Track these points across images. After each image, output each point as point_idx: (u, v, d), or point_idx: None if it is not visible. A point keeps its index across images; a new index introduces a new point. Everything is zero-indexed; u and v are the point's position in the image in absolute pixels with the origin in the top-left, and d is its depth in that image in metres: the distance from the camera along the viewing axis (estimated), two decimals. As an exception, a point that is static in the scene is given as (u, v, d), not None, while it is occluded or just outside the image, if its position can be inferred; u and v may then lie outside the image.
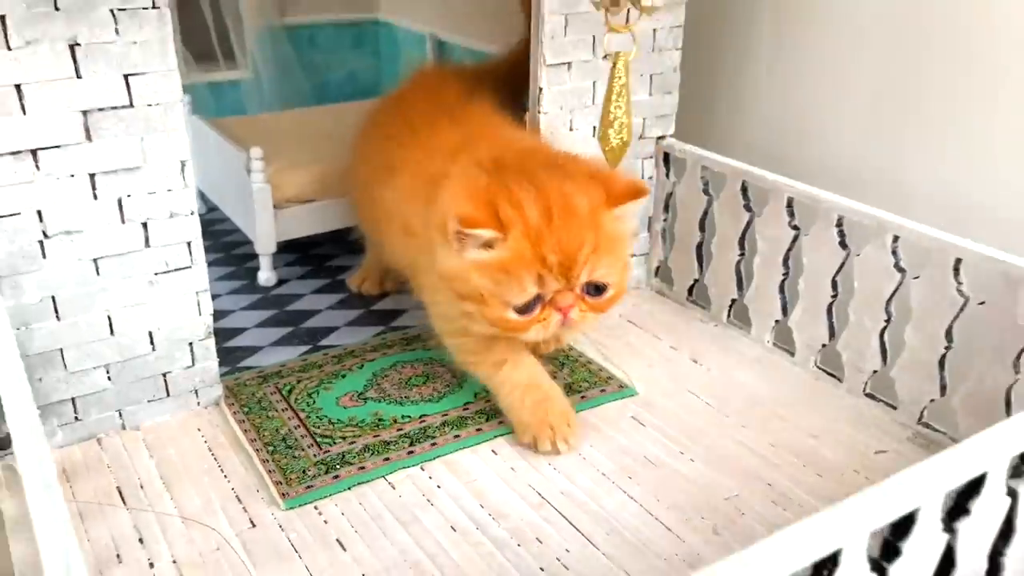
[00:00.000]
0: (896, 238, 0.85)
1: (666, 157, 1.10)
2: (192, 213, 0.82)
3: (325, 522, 0.74)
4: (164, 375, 0.86)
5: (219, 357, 0.89)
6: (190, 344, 0.86)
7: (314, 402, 0.90)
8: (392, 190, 0.94)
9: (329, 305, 1.12)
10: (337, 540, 0.72)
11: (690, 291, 1.12)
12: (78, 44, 0.72)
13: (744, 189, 1.01)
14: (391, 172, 0.95)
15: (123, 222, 0.79)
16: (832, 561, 0.47)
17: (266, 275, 1.16)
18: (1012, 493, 0.56)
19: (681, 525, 0.75)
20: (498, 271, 0.76)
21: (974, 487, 0.53)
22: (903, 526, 0.50)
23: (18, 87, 0.71)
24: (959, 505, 0.53)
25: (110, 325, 0.81)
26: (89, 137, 0.75)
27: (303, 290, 1.15)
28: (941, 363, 0.83)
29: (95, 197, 0.77)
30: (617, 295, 0.82)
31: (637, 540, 0.73)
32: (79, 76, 0.73)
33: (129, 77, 0.75)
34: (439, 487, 0.79)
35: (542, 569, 0.70)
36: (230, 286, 1.16)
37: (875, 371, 0.90)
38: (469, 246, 0.76)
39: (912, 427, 0.87)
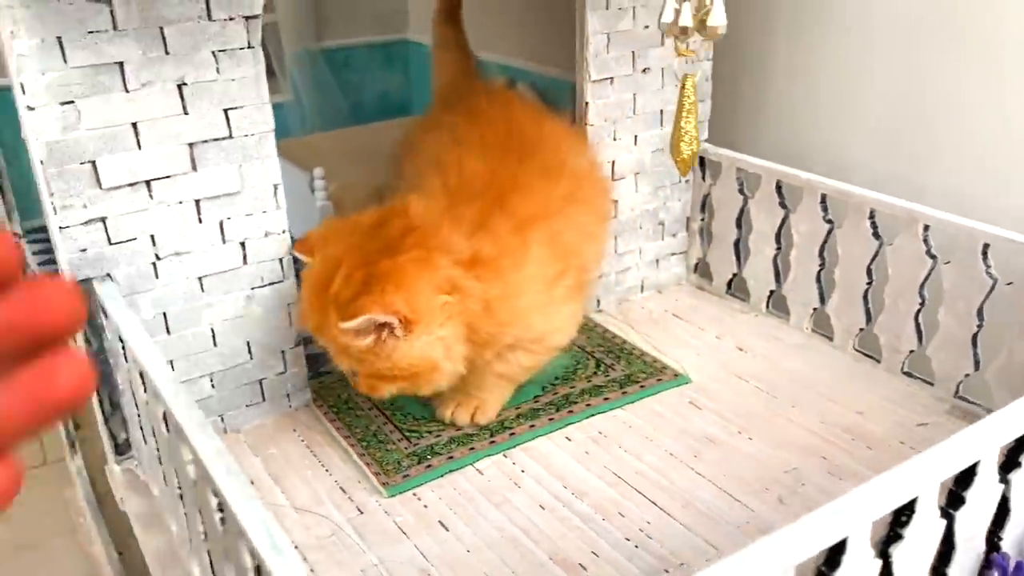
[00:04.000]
0: (927, 227, 0.93)
1: (701, 161, 1.18)
2: (284, 232, 0.90)
3: (425, 507, 0.82)
4: (260, 381, 0.94)
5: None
6: (283, 352, 0.94)
7: (395, 402, 0.97)
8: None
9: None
10: (439, 521, 0.80)
11: (729, 284, 1.19)
12: (185, 84, 0.80)
13: (779, 188, 1.08)
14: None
15: (224, 242, 0.87)
16: (909, 508, 0.55)
17: (332, 287, 1.23)
18: (1005, 481, 0.63)
19: (749, 497, 0.82)
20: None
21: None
22: (965, 478, 0.58)
23: (134, 125, 0.79)
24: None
25: (213, 337, 0.89)
26: (195, 167, 0.82)
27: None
28: (974, 340, 0.91)
29: (200, 221, 0.84)
30: None
31: (710, 511, 0.80)
32: (186, 112, 0.81)
33: (228, 111, 0.83)
34: (523, 471, 0.86)
35: (627, 539, 0.77)
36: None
37: (911, 351, 0.98)
38: None
39: (949, 400, 0.94)
